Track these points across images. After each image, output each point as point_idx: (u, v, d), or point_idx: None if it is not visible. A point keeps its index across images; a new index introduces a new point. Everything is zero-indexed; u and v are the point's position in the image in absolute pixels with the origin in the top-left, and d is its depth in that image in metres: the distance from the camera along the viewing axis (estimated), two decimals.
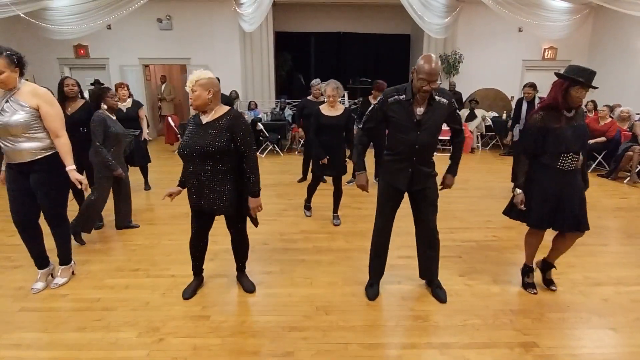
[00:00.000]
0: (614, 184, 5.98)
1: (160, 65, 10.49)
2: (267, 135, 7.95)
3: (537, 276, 2.92)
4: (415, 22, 8.36)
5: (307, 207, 4.50)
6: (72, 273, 3.04)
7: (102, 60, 9.48)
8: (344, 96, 10.31)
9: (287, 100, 9.51)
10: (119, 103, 4.91)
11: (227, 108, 2.49)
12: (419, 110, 2.41)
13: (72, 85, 3.79)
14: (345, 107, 4.00)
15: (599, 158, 6.68)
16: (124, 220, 4.00)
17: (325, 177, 4.81)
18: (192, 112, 2.85)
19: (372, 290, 2.78)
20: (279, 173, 6.58)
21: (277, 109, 8.90)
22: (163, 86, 10.14)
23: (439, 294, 2.75)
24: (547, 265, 2.89)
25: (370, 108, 2.60)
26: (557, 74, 2.49)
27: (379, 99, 2.57)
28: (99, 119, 3.49)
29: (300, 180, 5.79)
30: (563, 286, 2.91)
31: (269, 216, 4.44)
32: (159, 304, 2.68)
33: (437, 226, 2.69)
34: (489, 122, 8.81)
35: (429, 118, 2.41)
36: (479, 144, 8.94)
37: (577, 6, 8.57)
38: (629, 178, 6.04)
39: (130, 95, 5.18)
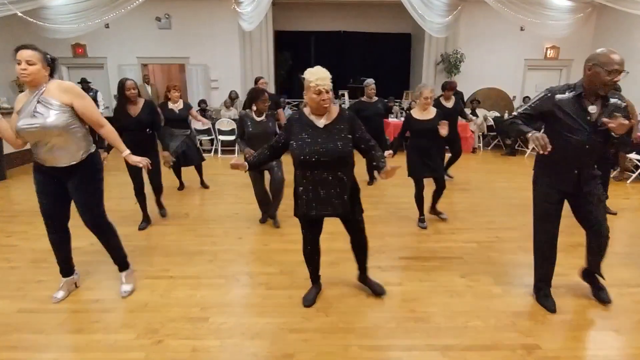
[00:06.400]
0: (616, 185, 5.94)
1: (159, 64, 10.45)
2: None
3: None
4: (416, 21, 8.33)
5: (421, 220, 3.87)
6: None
7: (100, 59, 9.46)
8: (343, 95, 10.30)
9: (287, 100, 9.45)
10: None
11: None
12: (592, 109, 2.26)
13: None
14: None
15: None
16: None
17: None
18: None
19: (551, 300, 2.61)
20: None
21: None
22: (149, 88, 8.98)
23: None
24: None
25: (538, 97, 2.37)
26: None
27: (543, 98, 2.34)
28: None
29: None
30: (565, 288, 2.88)
31: None
32: (158, 306, 2.65)
33: (609, 227, 2.49)
34: (491, 122, 8.79)
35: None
36: (481, 144, 8.91)
37: (580, 5, 8.54)
38: (632, 178, 6.01)
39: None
